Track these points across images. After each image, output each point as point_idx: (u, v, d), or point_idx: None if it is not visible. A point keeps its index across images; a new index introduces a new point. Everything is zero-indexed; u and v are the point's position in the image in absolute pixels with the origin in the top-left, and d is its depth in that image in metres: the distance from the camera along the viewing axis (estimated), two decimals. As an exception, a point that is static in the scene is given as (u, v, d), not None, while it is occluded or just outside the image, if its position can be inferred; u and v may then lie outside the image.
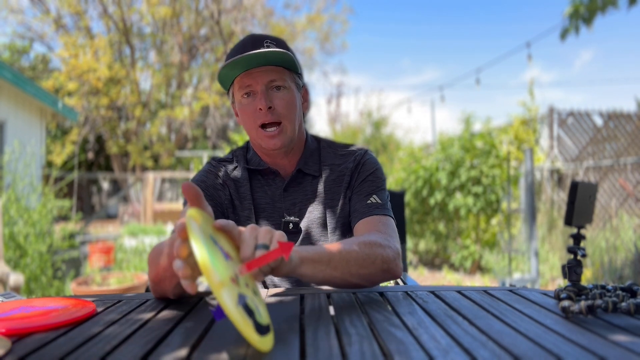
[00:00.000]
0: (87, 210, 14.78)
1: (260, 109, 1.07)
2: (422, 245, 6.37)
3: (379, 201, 1.13)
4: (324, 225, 1.17)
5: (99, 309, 0.83)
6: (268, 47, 1.09)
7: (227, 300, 0.56)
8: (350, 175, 1.18)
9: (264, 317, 0.65)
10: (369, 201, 1.13)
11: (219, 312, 0.60)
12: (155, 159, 14.13)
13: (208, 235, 0.65)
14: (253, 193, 1.18)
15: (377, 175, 1.18)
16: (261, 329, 0.61)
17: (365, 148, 1.24)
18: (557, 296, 0.83)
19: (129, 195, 12.63)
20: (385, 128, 13.83)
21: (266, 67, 1.08)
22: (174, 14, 12.94)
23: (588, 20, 3.55)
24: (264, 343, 0.59)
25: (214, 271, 0.57)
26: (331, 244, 0.91)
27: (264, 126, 1.09)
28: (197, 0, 13.37)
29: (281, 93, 1.09)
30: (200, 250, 0.58)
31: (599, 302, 0.72)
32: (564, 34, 3.69)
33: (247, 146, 1.26)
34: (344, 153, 1.22)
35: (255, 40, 1.09)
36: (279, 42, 1.12)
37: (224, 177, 1.19)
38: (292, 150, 1.17)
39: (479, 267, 5.55)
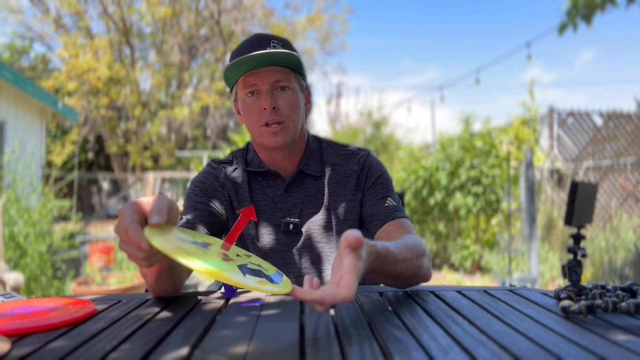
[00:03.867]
0: (87, 210, 14.78)
1: (265, 108, 1.07)
2: (422, 245, 6.36)
3: (395, 203, 1.15)
4: (326, 226, 1.17)
5: (99, 309, 0.83)
6: (275, 47, 1.09)
7: (236, 279, 0.62)
8: (357, 178, 1.18)
9: (269, 269, 0.72)
10: (386, 204, 1.14)
11: (229, 290, 0.65)
12: (155, 159, 14.13)
13: (175, 239, 0.68)
14: (252, 195, 1.18)
15: (386, 178, 1.19)
16: (273, 279, 0.68)
17: (368, 149, 1.24)
18: (557, 296, 0.83)
19: (129, 195, 12.63)
20: (386, 128, 13.83)
21: (272, 67, 1.08)
22: (174, 14, 12.93)
23: (587, 17, 3.54)
24: (283, 286, 0.66)
25: (211, 267, 0.61)
26: (392, 245, 0.86)
27: (267, 124, 1.09)
28: (197, 0, 13.37)
29: (286, 94, 1.10)
30: (191, 261, 0.61)
31: (599, 302, 0.72)
32: (561, 29, 3.68)
33: (247, 148, 1.25)
34: (345, 153, 1.22)
35: (261, 40, 1.10)
36: (285, 43, 1.13)
37: (223, 179, 1.19)
38: (292, 150, 1.17)
39: (479, 267, 5.56)
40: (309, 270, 1.17)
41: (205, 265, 0.60)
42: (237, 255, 0.73)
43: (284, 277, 0.72)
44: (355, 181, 1.18)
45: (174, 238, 0.67)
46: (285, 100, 1.09)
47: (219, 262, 0.65)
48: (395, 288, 0.96)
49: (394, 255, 0.84)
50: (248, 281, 0.62)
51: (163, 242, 0.63)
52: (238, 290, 0.87)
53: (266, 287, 0.63)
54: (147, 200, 0.70)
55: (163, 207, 0.67)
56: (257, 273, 0.67)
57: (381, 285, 0.98)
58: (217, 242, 0.76)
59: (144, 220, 0.68)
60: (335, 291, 0.63)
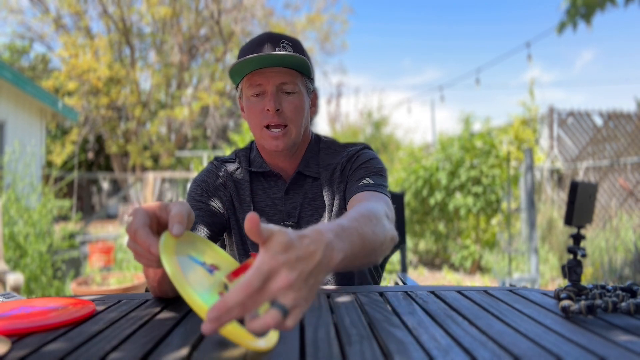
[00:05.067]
0: (87, 210, 14.78)
1: (268, 110, 1.06)
2: (422, 245, 6.37)
3: (372, 182, 1.07)
4: None
5: (99, 309, 0.83)
6: (284, 47, 1.08)
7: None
8: (341, 170, 1.16)
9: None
10: (360, 183, 1.07)
11: None
12: (155, 159, 14.14)
13: (185, 257, 0.66)
14: (253, 195, 1.18)
15: (372, 164, 1.13)
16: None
17: (365, 144, 1.22)
18: (557, 296, 0.83)
19: (129, 195, 12.63)
20: (386, 128, 13.83)
21: (279, 68, 1.07)
22: (174, 14, 12.94)
23: (587, 17, 3.53)
24: (267, 341, 0.60)
25: (201, 303, 0.56)
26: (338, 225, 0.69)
27: (269, 126, 1.08)
28: (197, 0, 13.37)
29: (291, 97, 1.08)
30: (185, 292, 0.56)
31: (599, 302, 0.72)
32: (560, 28, 3.66)
33: (250, 147, 1.25)
34: (338, 150, 1.20)
35: (272, 39, 1.08)
36: (296, 45, 1.11)
37: (225, 178, 1.18)
38: (294, 153, 1.16)
39: (479, 267, 5.55)
40: None
41: (197, 300, 0.56)
42: None
43: (273, 331, 0.63)
44: (339, 173, 1.16)
45: (183, 255, 0.65)
46: (290, 103, 1.08)
47: (213, 296, 0.60)
48: (371, 262, 0.79)
49: (345, 221, 0.71)
50: (233, 333, 0.56)
51: (170, 260, 0.61)
52: None
53: (248, 343, 0.57)
54: (163, 204, 0.69)
55: (184, 214, 0.66)
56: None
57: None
58: (224, 267, 0.71)
59: (154, 224, 0.68)
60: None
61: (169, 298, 0.91)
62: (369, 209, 0.82)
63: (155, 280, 0.84)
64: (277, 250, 0.54)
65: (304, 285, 0.55)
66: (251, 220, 0.53)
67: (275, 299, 0.53)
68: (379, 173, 1.11)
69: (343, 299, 0.87)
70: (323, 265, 0.58)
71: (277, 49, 1.07)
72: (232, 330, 0.56)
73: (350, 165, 1.15)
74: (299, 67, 1.08)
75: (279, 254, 0.54)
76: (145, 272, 0.85)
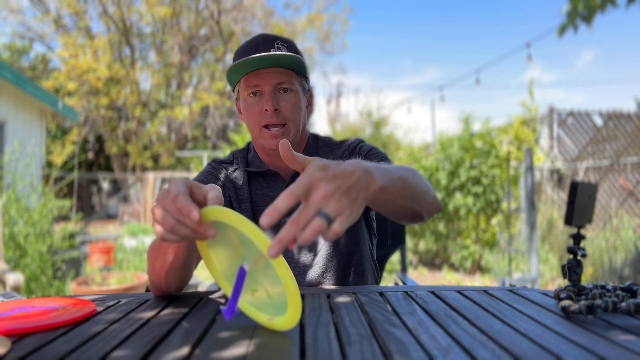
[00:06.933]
0: (87, 210, 14.77)
1: (267, 110, 1.07)
2: (422, 245, 6.37)
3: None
4: None
5: (99, 309, 0.83)
6: (279, 48, 1.09)
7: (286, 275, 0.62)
8: None
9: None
10: None
11: (229, 310, 0.63)
12: (155, 159, 14.14)
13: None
14: (252, 195, 1.18)
15: (376, 152, 1.17)
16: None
17: (360, 138, 1.24)
18: (557, 296, 0.83)
19: (129, 195, 12.62)
20: (386, 128, 13.82)
21: (275, 68, 1.08)
22: (173, 14, 12.94)
23: (587, 19, 3.53)
24: (288, 321, 0.66)
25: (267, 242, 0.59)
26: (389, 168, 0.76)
27: (267, 126, 1.10)
28: (197, 0, 13.37)
29: (288, 96, 1.10)
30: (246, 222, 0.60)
31: (599, 302, 0.72)
32: (561, 31, 3.66)
33: (247, 147, 1.26)
34: (336, 146, 1.22)
35: (266, 41, 1.10)
36: (290, 45, 1.13)
37: (223, 179, 1.19)
38: None
39: (479, 267, 5.55)
40: (309, 269, 1.17)
41: (256, 229, 0.59)
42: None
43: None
44: None
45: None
46: (287, 102, 1.09)
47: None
48: (415, 211, 0.85)
49: (383, 165, 0.75)
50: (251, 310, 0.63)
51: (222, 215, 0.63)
52: (238, 312, 0.77)
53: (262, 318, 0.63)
54: (197, 184, 0.69)
55: (221, 199, 0.67)
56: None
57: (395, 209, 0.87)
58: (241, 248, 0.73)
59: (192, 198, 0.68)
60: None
61: (171, 294, 0.91)
62: (404, 167, 0.86)
63: (165, 269, 0.83)
64: (315, 170, 0.60)
65: (344, 197, 0.59)
66: (284, 146, 0.62)
67: (319, 210, 0.58)
68: (386, 158, 1.15)
69: (343, 299, 0.87)
70: (363, 185, 0.63)
71: (272, 49, 1.08)
72: (251, 309, 0.65)
73: (354, 157, 1.18)
74: (295, 67, 1.10)
75: (316, 172, 0.59)
76: (150, 266, 0.84)
